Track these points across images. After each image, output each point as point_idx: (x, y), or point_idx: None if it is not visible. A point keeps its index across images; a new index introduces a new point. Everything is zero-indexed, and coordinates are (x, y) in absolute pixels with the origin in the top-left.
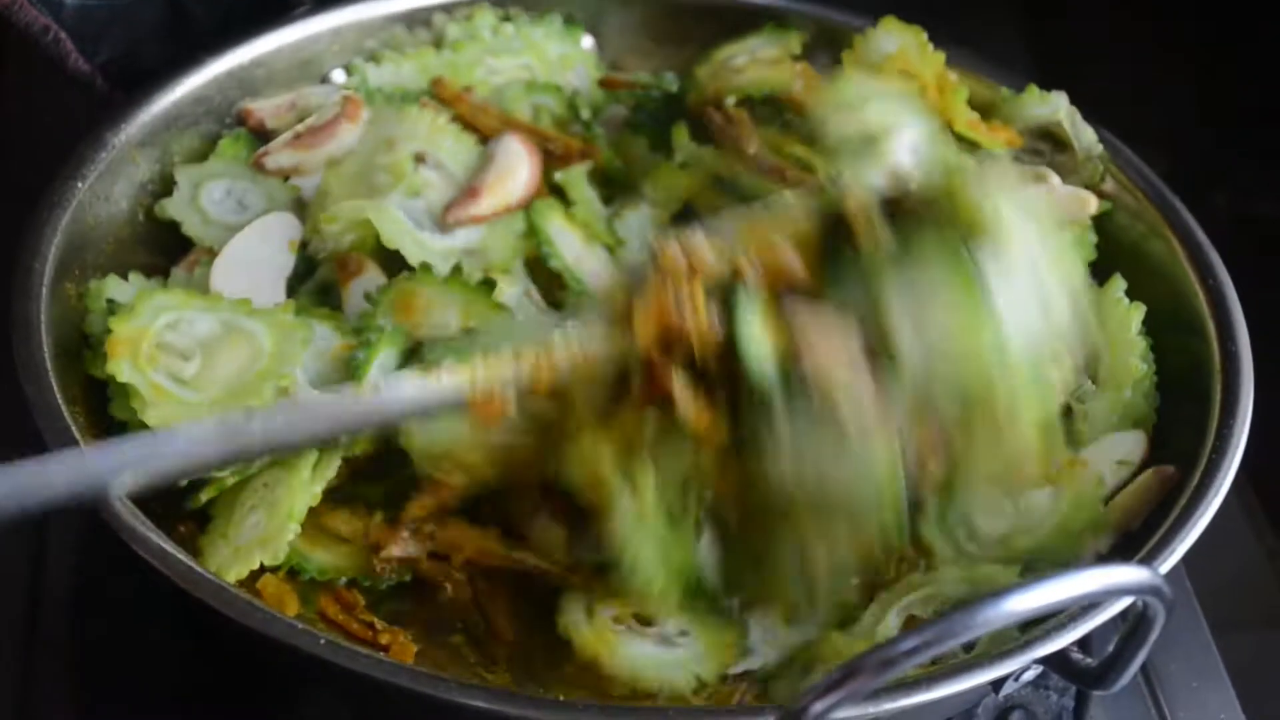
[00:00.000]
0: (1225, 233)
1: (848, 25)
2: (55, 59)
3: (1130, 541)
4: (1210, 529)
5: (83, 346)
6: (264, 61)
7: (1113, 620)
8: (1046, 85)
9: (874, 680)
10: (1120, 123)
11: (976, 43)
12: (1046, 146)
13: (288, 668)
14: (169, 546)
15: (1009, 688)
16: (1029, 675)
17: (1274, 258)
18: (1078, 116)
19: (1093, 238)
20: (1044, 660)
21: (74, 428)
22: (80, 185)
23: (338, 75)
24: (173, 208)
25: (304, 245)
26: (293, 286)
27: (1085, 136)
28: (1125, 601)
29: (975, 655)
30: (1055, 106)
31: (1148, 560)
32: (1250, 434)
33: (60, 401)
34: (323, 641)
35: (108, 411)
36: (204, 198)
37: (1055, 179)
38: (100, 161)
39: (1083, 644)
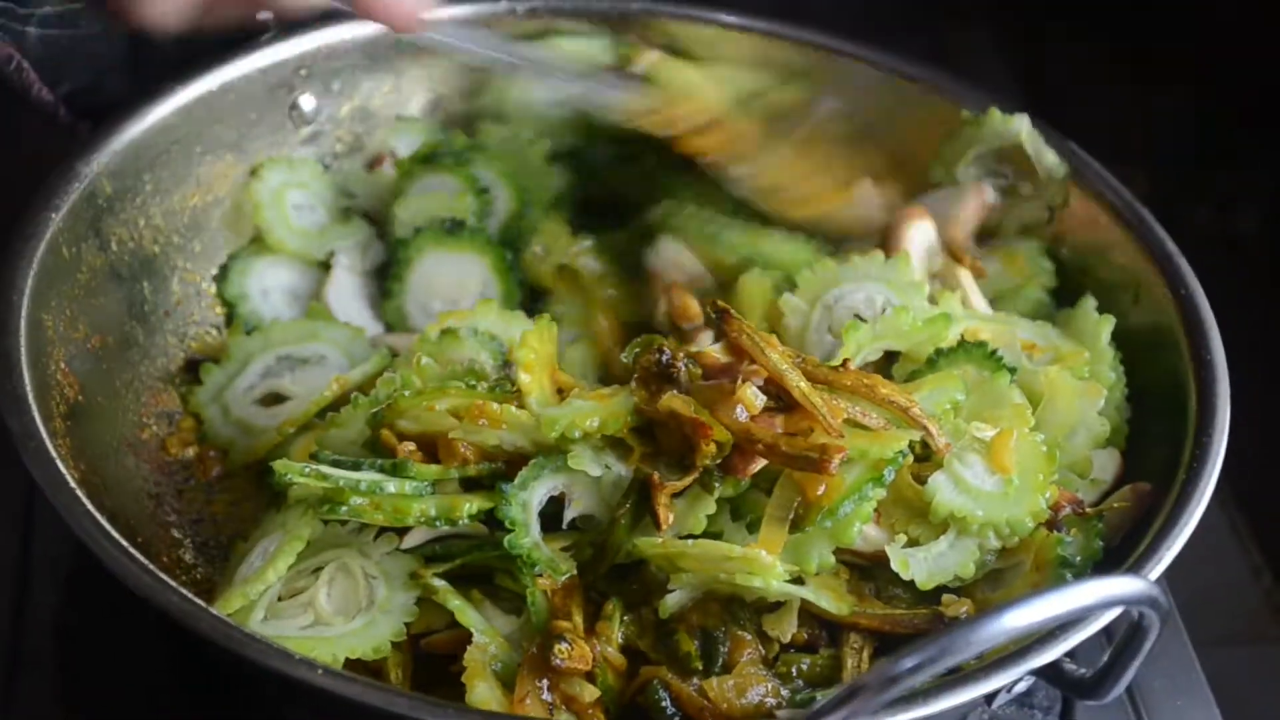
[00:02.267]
0: (1207, 249)
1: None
2: (18, 89)
3: (1110, 556)
4: (1194, 543)
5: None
6: (232, 88)
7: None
8: (1029, 105)
9: (879, 697)
10: (1102, 142)
11: (958, 62)
12: (1009, 169)
13: (281, 694)
14: (158, 576)
15: (1001, 699)
16: (1020, 687)
17: (1256, 274)
18: (1040, 140)
19: (1047, 264)
20: (1038, 671)
21: (59, 461)
22: (53, 216)
23: (306, 101)
24: None
25: None
26: None
27: (1047, 159)
28: (1115, 612)
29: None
30: (1017, 129)
31: (1134, 571)
32: (1235, 450)
33: (44, 434)
34: (320, 672)
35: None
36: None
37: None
38: (72, 192)
39: (1069, 654)
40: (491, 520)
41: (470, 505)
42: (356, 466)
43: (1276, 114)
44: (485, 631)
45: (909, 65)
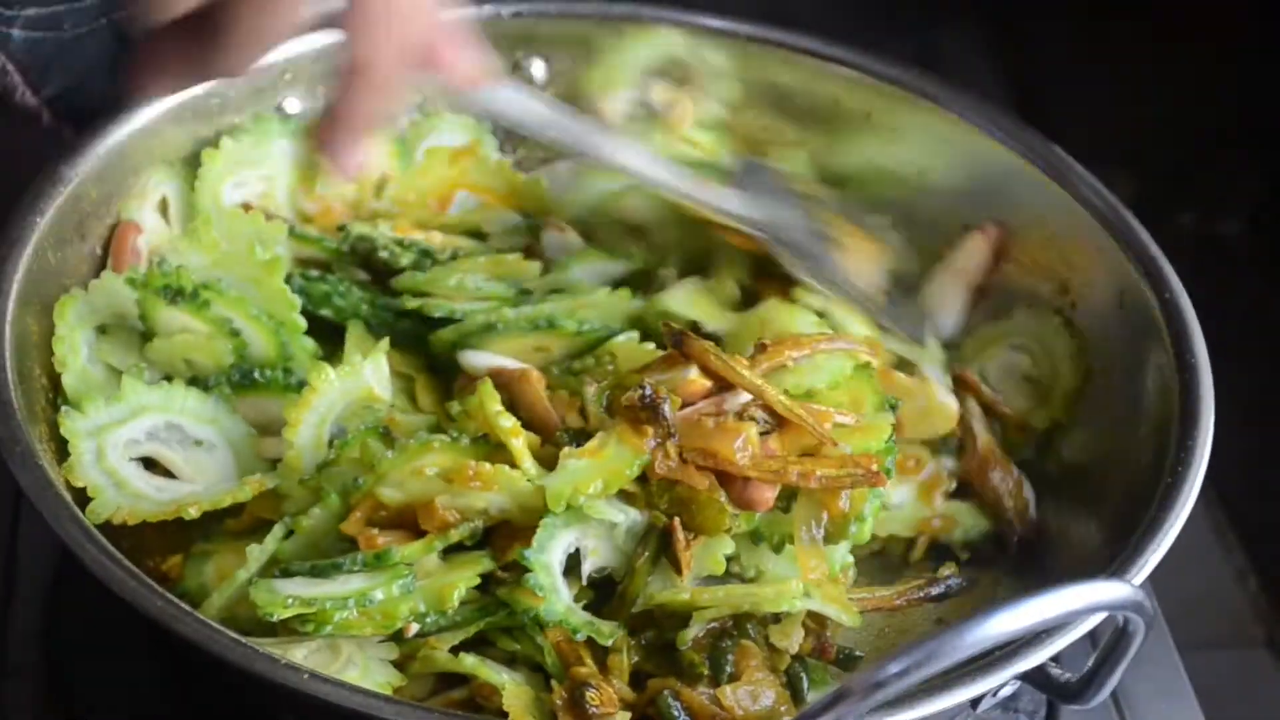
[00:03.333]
0: (1192, 252)
1: None
2: (2, 92)
3: (1095, 561)
4: (1179, 548)
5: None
6: (218, 92)
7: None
8: (1015, 106)
9: (864, 703)
10: (1087, 144)
11: (946, 65)
12: (671, 80)
13: (268, 699)
14: (141, 580)
15: (987, 703)
16: (1006, 691)
17: (1242, 276)
18: (695, 42)
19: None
20: (1025, 675)
21: (48, 468)
22: (38, 220)
23: (291, 104)
24: None
25: None
26: None
27: (711, 58)
28: (1101, 617)
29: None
30: (669, 41)
31: (1117, 575)
32: (1221, 454)
33: (30, 439)
34: (306, 676)
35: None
36: None
37: None
38: (57, 196)
39: (1054, 658)
40: (483, 584)
41: (459, 590)
42: (336, 569)
43: (1263, 117)
44: (511, 684)
45: (893, 68)
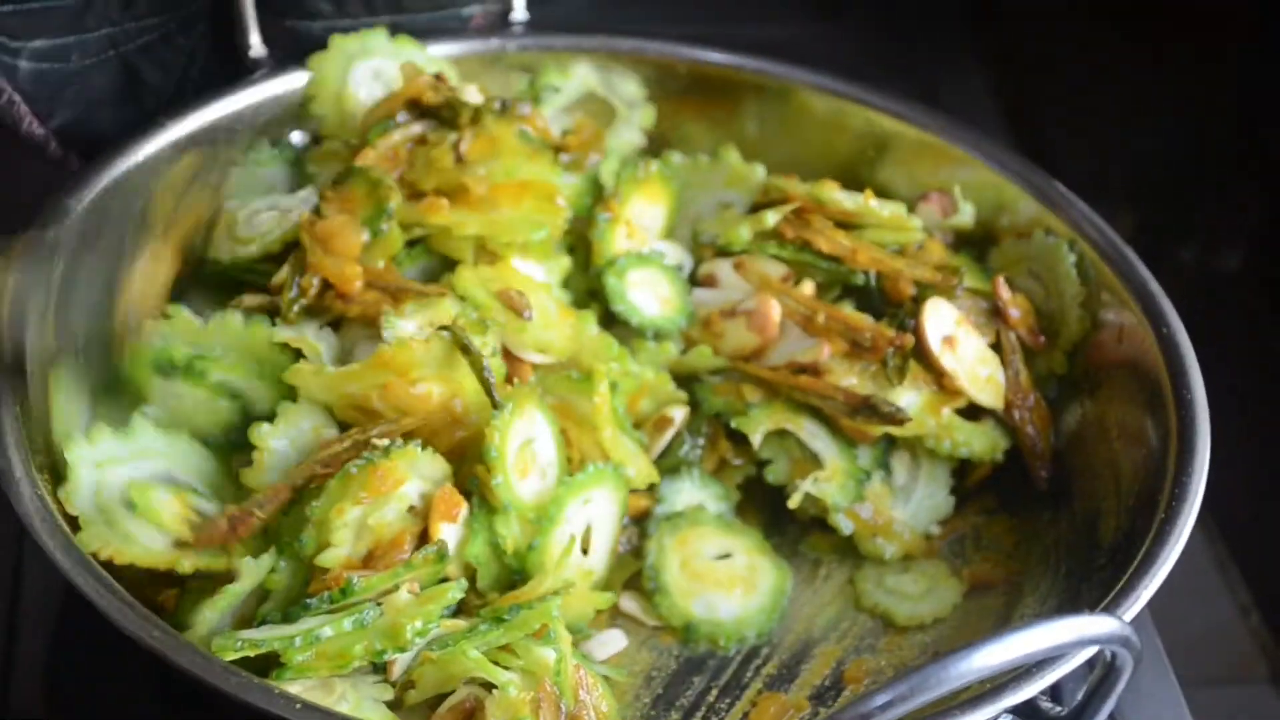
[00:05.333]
0: (1192, 286)
1: None
2: (9, 123)
3: (1087, 596)
4: (1182, 583)
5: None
6: (223, 125)
7: (1081, 665)
8: (1015, 141)
9: None
10: (1088, 178)
11: (948, 102)
12: (586, 113)
13: None
14: (142, 612)
15: None
16: None
17: (1241, 310)
18: (609, 75)
19: None
20: (1014, 709)
21: (47, 497)
22: None
23: (296, 137)
24: None
25: None
26: None
27: (624, 89)
28: (1092, 650)
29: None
30: (583, 76)
31: (1109, 610)
32: (1223, 490)
33: (31, 470)
34: (299, 706)
35: None
36: None
37: None
38: (62, 228)
39: (1051, 691)
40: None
41: (415, 624)
42: (305, 610)
43: (1261, 151)
44: (509, 685)
45: (897, 103)
